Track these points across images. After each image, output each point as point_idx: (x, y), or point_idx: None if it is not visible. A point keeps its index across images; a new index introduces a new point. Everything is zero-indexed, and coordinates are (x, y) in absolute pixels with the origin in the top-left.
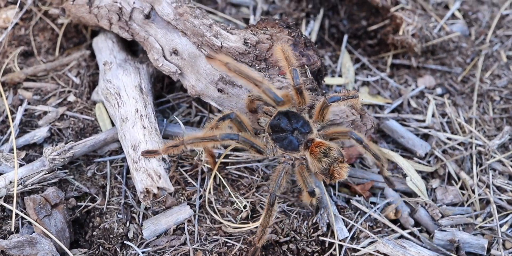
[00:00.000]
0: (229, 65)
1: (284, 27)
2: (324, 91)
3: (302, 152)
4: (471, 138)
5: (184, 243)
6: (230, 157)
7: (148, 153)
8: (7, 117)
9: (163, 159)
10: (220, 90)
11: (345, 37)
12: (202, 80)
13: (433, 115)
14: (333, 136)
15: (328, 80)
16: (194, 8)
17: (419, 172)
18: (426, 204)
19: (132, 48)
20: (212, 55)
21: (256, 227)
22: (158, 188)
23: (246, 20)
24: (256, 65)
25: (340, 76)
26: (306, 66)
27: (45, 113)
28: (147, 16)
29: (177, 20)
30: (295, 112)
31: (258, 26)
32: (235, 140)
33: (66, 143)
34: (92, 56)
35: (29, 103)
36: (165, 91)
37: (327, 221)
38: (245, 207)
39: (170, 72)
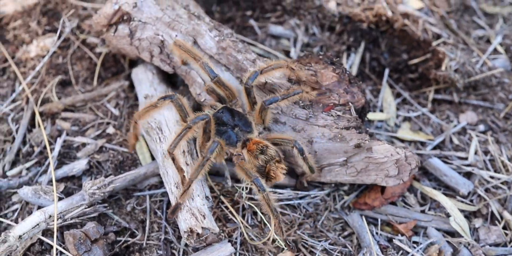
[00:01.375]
0: (176, 41)
1: (328, 63)
2: (367, 129)
3: (239, 149)
4: None
5: None
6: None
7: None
8: (45, 147)
9: (207, 198)
10: (263, 128)
11: (386, 71)
12: None
13: (475, 153)
14: (276, 142)
15: (369, 115)
16: (236, 41)
17: (462, 211)
18: (469, 245)
19: (171, 80)
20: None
21: None
22: (202, 228)
23: (287, 52)
24: (300, 102)
25: (381, 111)
26: (350, 104)
27: (83, 145)
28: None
29: (220, 54)
30: (240, 111)
31: (302, 61)
32: (171, 100)
33: (105, 176)
34: (131, 86)
35: (67, 134)
36: None
37: None
38: (286, 245)
39: (208, 105)
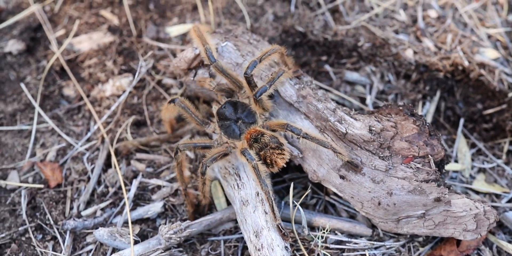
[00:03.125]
0: (194, 26)
1: (408, 115)
2: (445, 181)
3: (243, 140)
4: None
5: None
6: (346, 244)
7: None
8: (120, 188)
9: (286, 248)
10: (342, 177)
11: (461, 121)
12: (324, 166)
13: None
14: (273, 129)
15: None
16: (316, 90)
17: None
18: None
19: None
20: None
21: None
22: None
23: (362, 99)
24: (380, 152)
25: (456, 161)
26: (429, 156)
27: (158, 187)
28: (270, 97)
29: (300, 102)
30: (244, 102)
31: (382, 112)
32: (174, 103)
33: (181, 220)
34: None
35: (142, 176)
36: (280, 171)
37: None
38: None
39: (292, 156)
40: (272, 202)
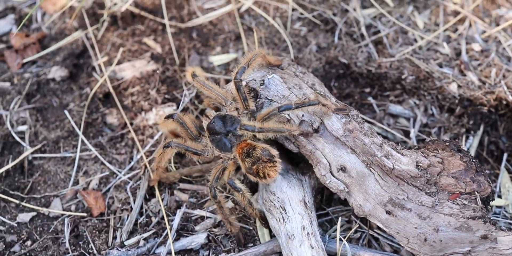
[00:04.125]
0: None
1: (455, 151)
2: (490, 217)
3: (235, 153)
4: None
5: None
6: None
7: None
8: (163, 218)
9: None
10: (388, 212)
11: (505, 156)
12: (370, 201)
13: None
14: (267, 118)
15: None
16: (363, 123)
17: None
18: None
19: (289, 155)
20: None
21: None
22: None
23: (405, 132)
24: (426, 188)
25: (499, 196)
26: (476, 193)
27: (202, 218)
28: (316, 130)
29: (346, 136)
30: (233, 115)
31: (429, 147)
32: (170, 147)
33: (225, 252)
34: None
35: (186, 206)
36: (324, 204)
37: None
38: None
39: (337, 190)
40: (257, 213)
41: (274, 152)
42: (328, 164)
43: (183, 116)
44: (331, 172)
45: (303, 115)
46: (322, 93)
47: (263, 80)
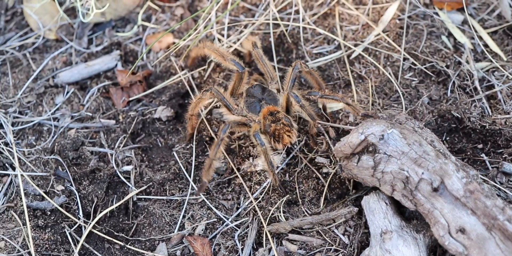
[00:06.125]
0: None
1: None
2: None
3: (260, 117)
4: None
5: None
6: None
7: (199, 190)
8: None
9: None
10: None
11: None
12: None
13: None
14: (287, 106)
15: None
16: (482, 184)
17: None
18: None
19: (401, 209)
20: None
21: None
22: None
23: None
24: None
25: None
26: None
27: None
28: (435, 189)
29: (467, 197)
30: (271, 89)
31: None
32: (210, 91)
33: None
34: (359, 213)
35: None
36: None
37: None
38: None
39: (456, 252)
40: (276, 176)
41: (295, 124)
42: (447, 225)
43: (219, 88)
44: (449, 233)
45: (422, 173)
46: (441, 151)
47: (382, 135)
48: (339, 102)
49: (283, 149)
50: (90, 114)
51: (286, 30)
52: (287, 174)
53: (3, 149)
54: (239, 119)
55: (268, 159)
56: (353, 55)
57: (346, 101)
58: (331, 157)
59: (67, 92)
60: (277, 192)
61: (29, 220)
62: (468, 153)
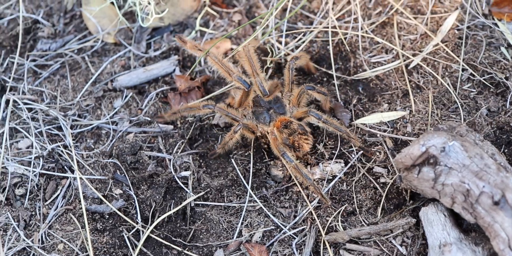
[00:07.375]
0: (209, 54)
1: None
2: None
3: (272, 127)
4: None
5: None
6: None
7: (158, 118)
8: None
9: None
10: None
11: None
12: None
13: None
14: (300, 117)
15: None
16: None
17: None
18: None
19: (458, 220)
20: (184, 39)
21: None
22: None
23: None
24: None
25: None
26: None
27: None
28: (496, 203)
29: None
30: (278, 96)
31: None
32: (211, 109)
33: None
34: (416, 224)
35: None
36: None
37: None
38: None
39: None
40: (320, 190)
41: (308, 129)
42: (507, 239)
43: (224, 105)
44: (509, 247)
45: (483, 186)
46: (502, 164)
47: (443, 147)
48: (339, 132)
49: (303, 155)
50: (148, 119)
51: (345, 39)
52: (344, 184)
53: (62, 151)
54: (252, 124)
55: (302, 174)
56: (412, 65)
57: (346, 131)
58: (389, 167)
59: (126, 96)
60: (330, 203)
61: (88, 223)
62: None
